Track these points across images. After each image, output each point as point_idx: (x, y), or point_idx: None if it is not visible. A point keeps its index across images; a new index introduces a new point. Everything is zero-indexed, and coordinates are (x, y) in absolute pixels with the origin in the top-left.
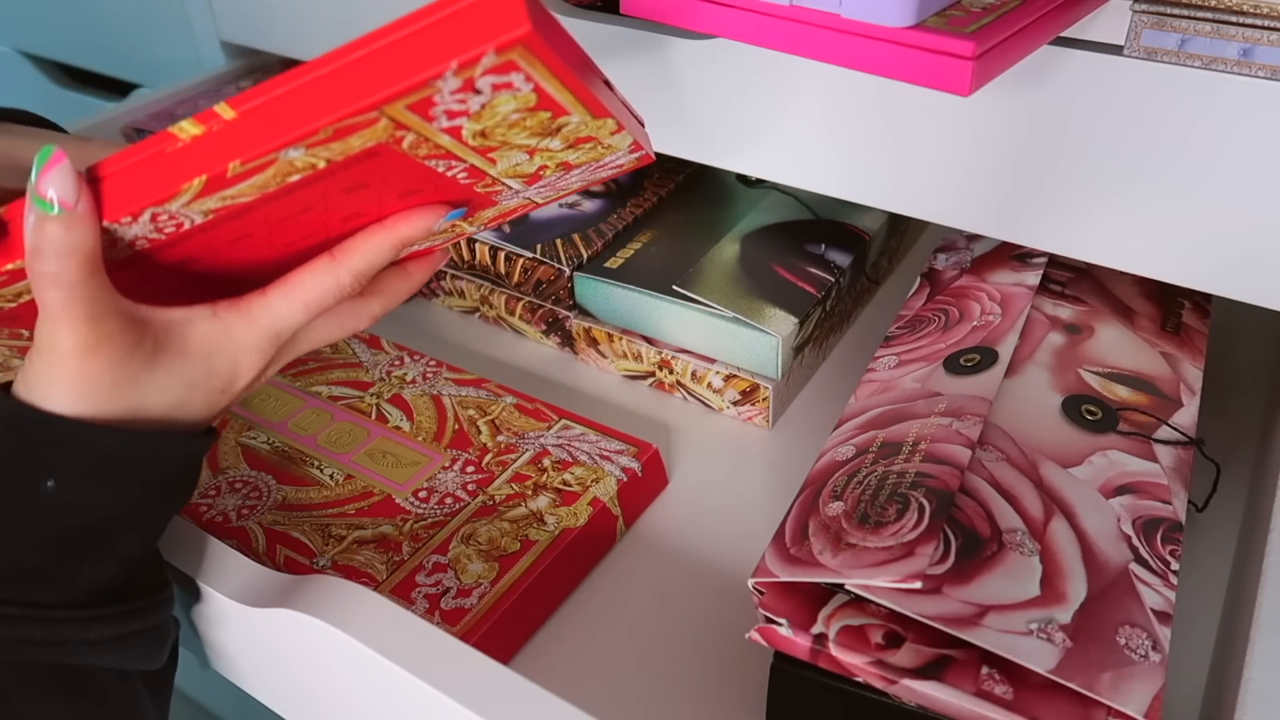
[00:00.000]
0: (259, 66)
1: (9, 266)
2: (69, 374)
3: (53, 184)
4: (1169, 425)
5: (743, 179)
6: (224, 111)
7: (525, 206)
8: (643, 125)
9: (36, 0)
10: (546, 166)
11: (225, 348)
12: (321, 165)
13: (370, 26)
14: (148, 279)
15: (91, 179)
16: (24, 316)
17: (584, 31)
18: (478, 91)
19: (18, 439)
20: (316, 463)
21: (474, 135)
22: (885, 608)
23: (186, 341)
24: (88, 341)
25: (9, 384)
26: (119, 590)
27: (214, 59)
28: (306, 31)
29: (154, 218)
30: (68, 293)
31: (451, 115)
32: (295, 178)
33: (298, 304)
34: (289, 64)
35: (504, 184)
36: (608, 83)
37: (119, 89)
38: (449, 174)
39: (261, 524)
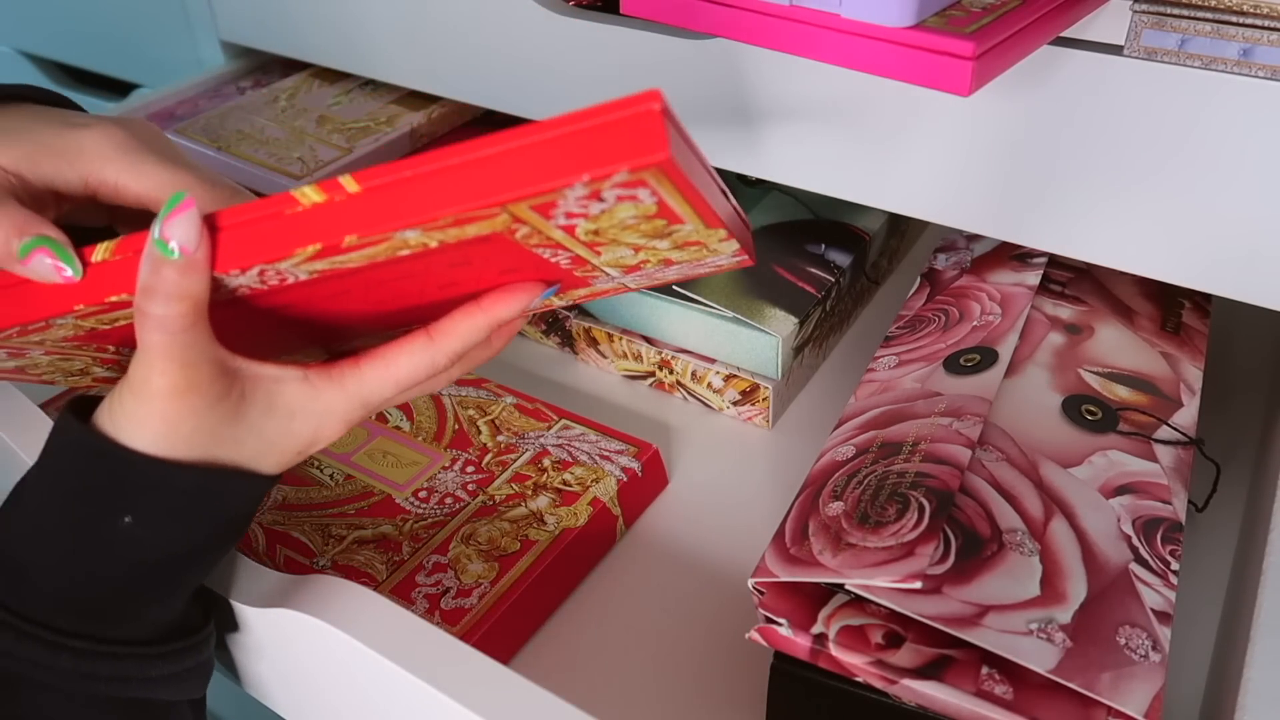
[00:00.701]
0: (258, 66)
1: (113, 299)
2: (155, 414)
3: (177, 230)
4: (1169, 425)
5: (743, 178)
6: (348, 184)
7: (618, 289)
8: (749, 229)
9: (36, 0)
10: (648, 261)
11: (311, 411)
12: (433, 245)
13: (370, 26)
14: (237, 319)
15: (208, 228)
16: (115, 336)
17: (584, 31)
18: (601, 200)
19: (100, 472)
20: (316, 462)
21: (587, 233)
22: (885, 608)
23: (274, 400)
24: (178, 386)
25: (84, 405)
26: (178, 625)
27: (214, 59)
28: (306, 31)
29: (261, 272)
30: (170, 337)
31: (570, 216)
32: (405, 252)
33: (390, 380)
34: (289, 64)
35: (603, 271)
36: (723, 190)
37: (119, 89)
38: (553, 260)
39: (261, 524)
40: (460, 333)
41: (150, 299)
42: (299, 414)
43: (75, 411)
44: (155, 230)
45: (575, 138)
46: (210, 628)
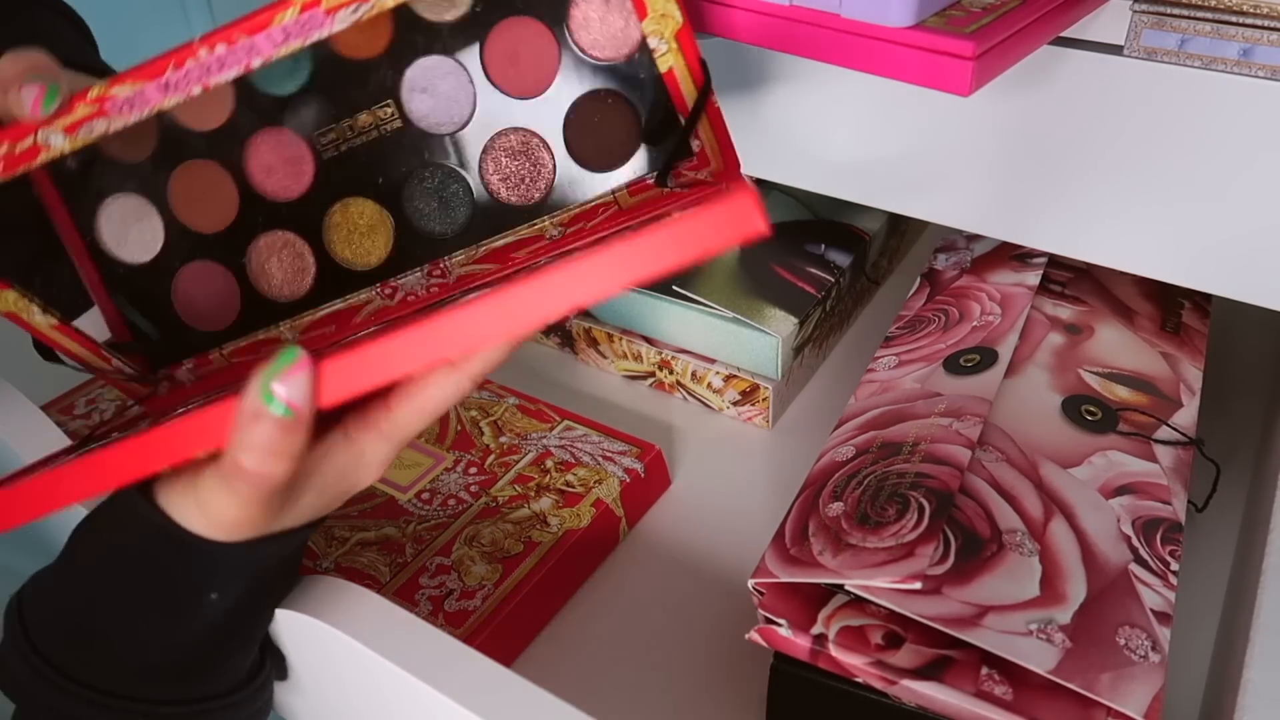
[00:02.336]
0: None
1: (183, 414)
2: (230, 527)
3: (293, 390)
4: (1169, 425)
5: None
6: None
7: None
8: None
9: None
10: None
11: (357, 465)
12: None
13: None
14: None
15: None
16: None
17: None
18: None
19: (184, 560)
20: None
21: None
22: (885, 608)
23: (325, 472)
24: (255, 520)
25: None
26: (252, 669)
27: None
28: None
29: None
30: (259, 491)
31: None
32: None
33: (422, 414)
34: None
35: None
36: None
37: None
38: None
39: None
40: (483, 354)
41: (246, 452)
42: (348, 472)
43: (139, 491)
44: (263, 384)
45: (682, 233)
46: (268, 659)
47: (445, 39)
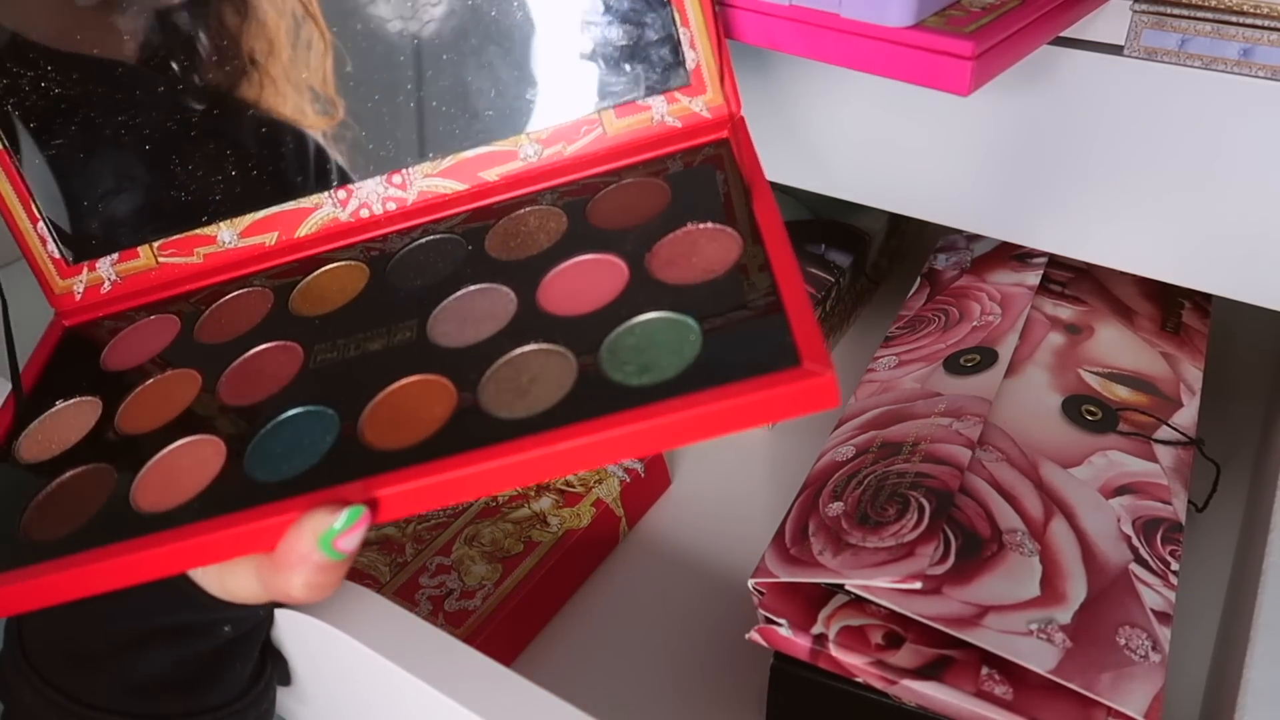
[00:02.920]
0: None
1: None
2: (246, 601)
3: (350, 543)
4: (1169, 425)
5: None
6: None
7: None
8: None
9: None
10: None
11: None
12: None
13: None
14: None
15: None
16: None
17: None
18: None
19: (200, 604)
20: None
21: None
22: (885, 608)
23: None
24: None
25: None
26: (253, 675)
27: None
28: None
29: None
30: (297, 602)
31: None
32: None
33: None
34: None
35: None
36: None
37: None
38: None
39: None
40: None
41: (297, 587)
42: None
43: None
44: (325, 540)
45: (752, 408)
46: (269, 662)
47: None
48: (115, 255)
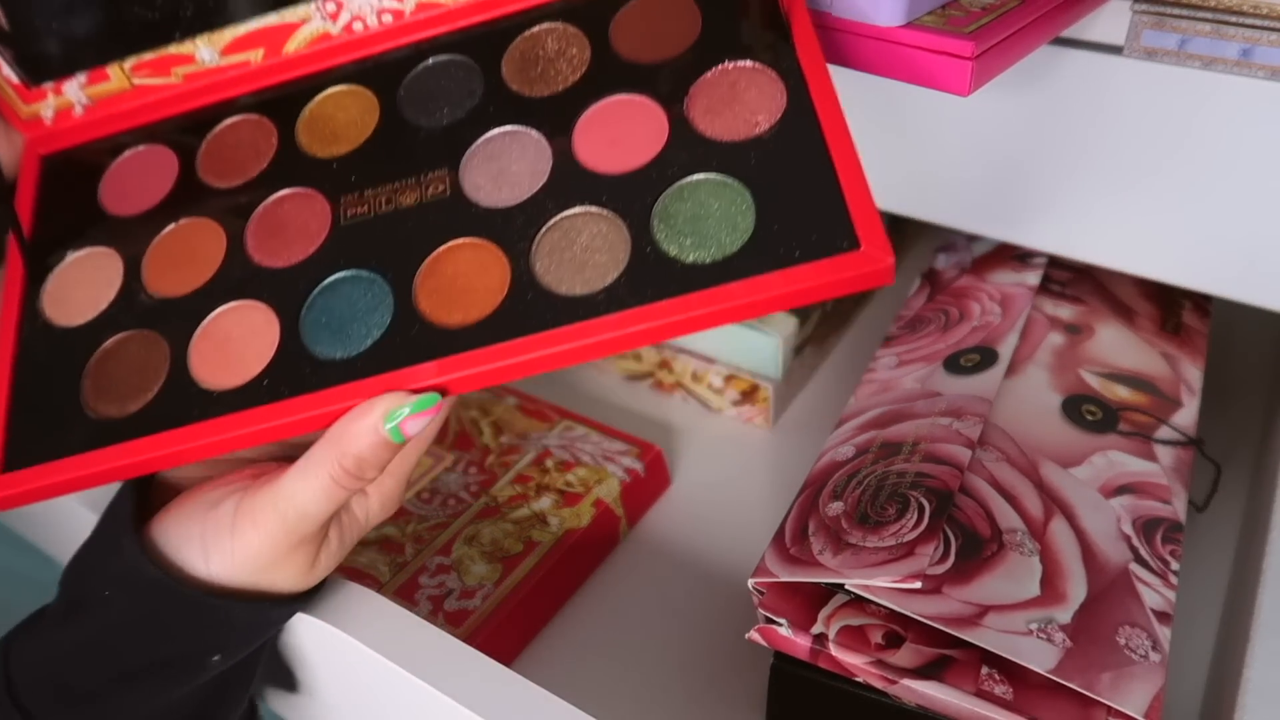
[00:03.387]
0: None
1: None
2: (249, 561)
3: (416, 427)
4: (1169, 425)
5: None
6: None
7: None
8: None
9: None
10: None
11: (371, 512)
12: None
13: None
14: None
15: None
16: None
17: None
18: None
19: (190, 621)
20: None
21: None
22: (885, 608)
23: (340, 529)
24: (280, 549)
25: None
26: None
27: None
28: None
29: None
30: (332, 500)
31: None
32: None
33: (423, 442)
34: None
35: None
36: None
37: None
38: None
39: None
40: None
41: (349, 458)
42: (361, 524)
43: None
44: (393, 415)
45: (809, 287)
46: (258, 708)
47: None
48: (83, 77)
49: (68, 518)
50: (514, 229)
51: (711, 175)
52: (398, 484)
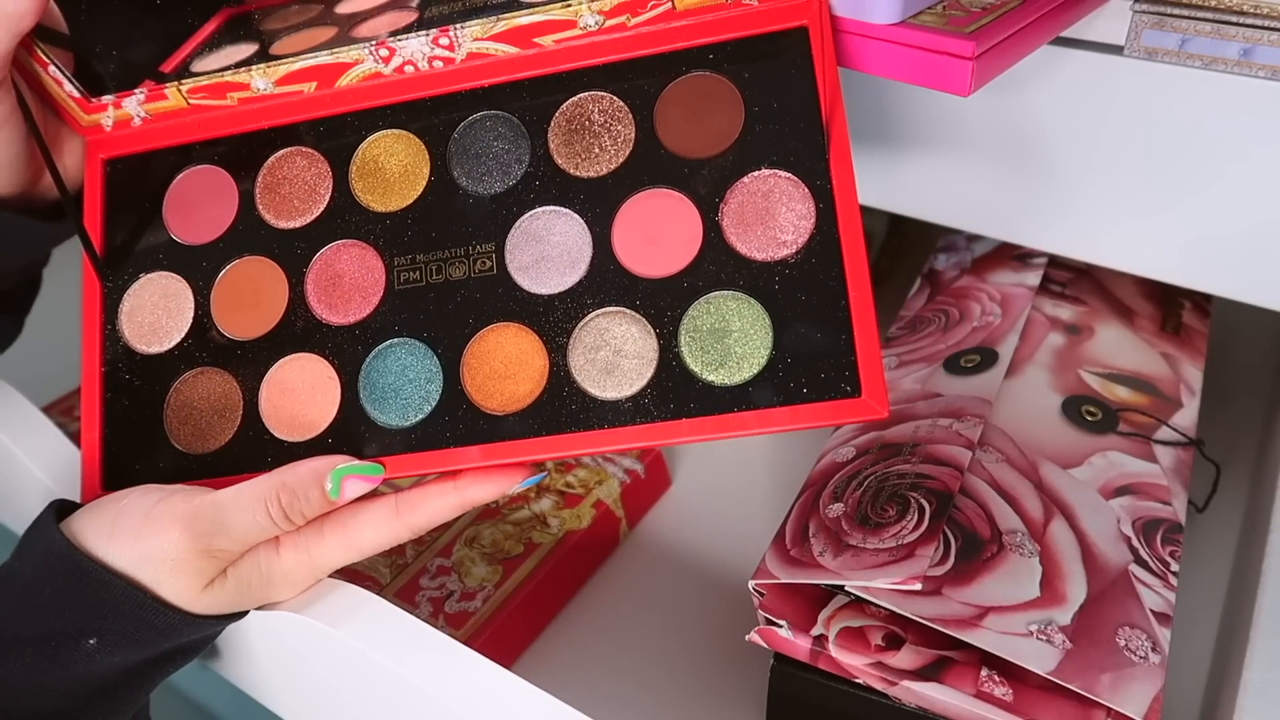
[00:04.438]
0: None
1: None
2: (157, 573)
3: (353, 491)
4: (1169, 426)
5: None
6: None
7: None
8: None
9: None
10: None
11: (276, 577)
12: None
13: None
14: None
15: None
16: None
17: None
18: None
19: (77, 591)
20: None
21: None
22: (885, 609)
23: (248, 569)
24: (203, 575)
25: (64, 509)
26: None
27: None
28: None
29: None
30: (269, 519)
31: None
32: None
33: (349, 549)
34: None
35: None
36: None
37: None
38: None
39: None
40: (428, 510)
41: (286, 502)
42: (269, 578)
43: (57, 516)
44: (338, 475)
45: (805, 419)
46: None
47: None
48: (142, 94)
49: None
50: (553, 320)
51: (738, 294)
52: (307, 565)
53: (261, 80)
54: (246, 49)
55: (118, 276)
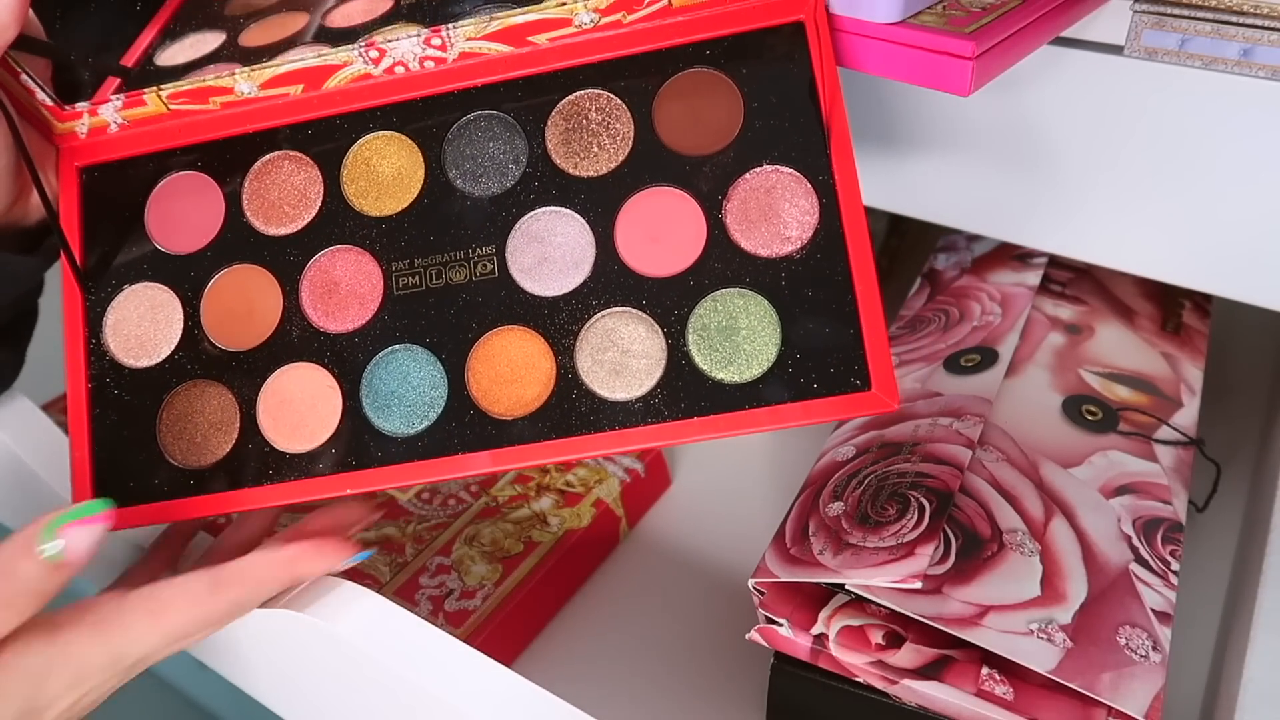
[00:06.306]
0: None
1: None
2: None
3: (82, 540)
4: (1169, 425)
5: None
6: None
7: None
8: None
9: None
10: None
11: (59, 670)
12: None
13: None
14: None
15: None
16: None
17: None
18: None
19: None
20: None
21: None
22: (885, 608)
23: (14, 668)
24: None
25: None
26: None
27: None
28: None
29: None
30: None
31: None
32: None
33: (158, 632)
34: None
35: None
36: None
37: None
38: None
39: None
40: (250, 583)
41: (5, 584)
42: (42, 676)
43: None
44: (48, 527)
45: (816, 414)
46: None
47: None
48: (119, 101)
49: None
50: (558, 322)
51: (744, 291)
52: (103, 652)
53: (246, 84)
54: (213, 38)
55: (100, 289)
